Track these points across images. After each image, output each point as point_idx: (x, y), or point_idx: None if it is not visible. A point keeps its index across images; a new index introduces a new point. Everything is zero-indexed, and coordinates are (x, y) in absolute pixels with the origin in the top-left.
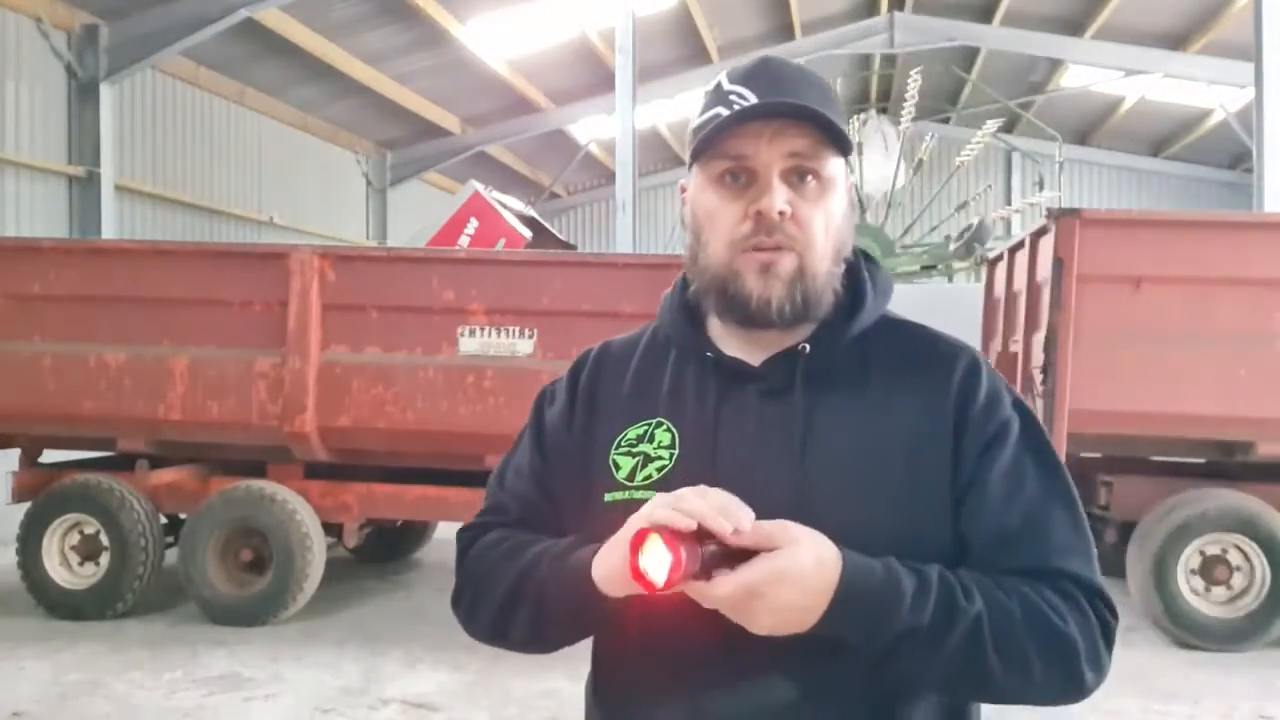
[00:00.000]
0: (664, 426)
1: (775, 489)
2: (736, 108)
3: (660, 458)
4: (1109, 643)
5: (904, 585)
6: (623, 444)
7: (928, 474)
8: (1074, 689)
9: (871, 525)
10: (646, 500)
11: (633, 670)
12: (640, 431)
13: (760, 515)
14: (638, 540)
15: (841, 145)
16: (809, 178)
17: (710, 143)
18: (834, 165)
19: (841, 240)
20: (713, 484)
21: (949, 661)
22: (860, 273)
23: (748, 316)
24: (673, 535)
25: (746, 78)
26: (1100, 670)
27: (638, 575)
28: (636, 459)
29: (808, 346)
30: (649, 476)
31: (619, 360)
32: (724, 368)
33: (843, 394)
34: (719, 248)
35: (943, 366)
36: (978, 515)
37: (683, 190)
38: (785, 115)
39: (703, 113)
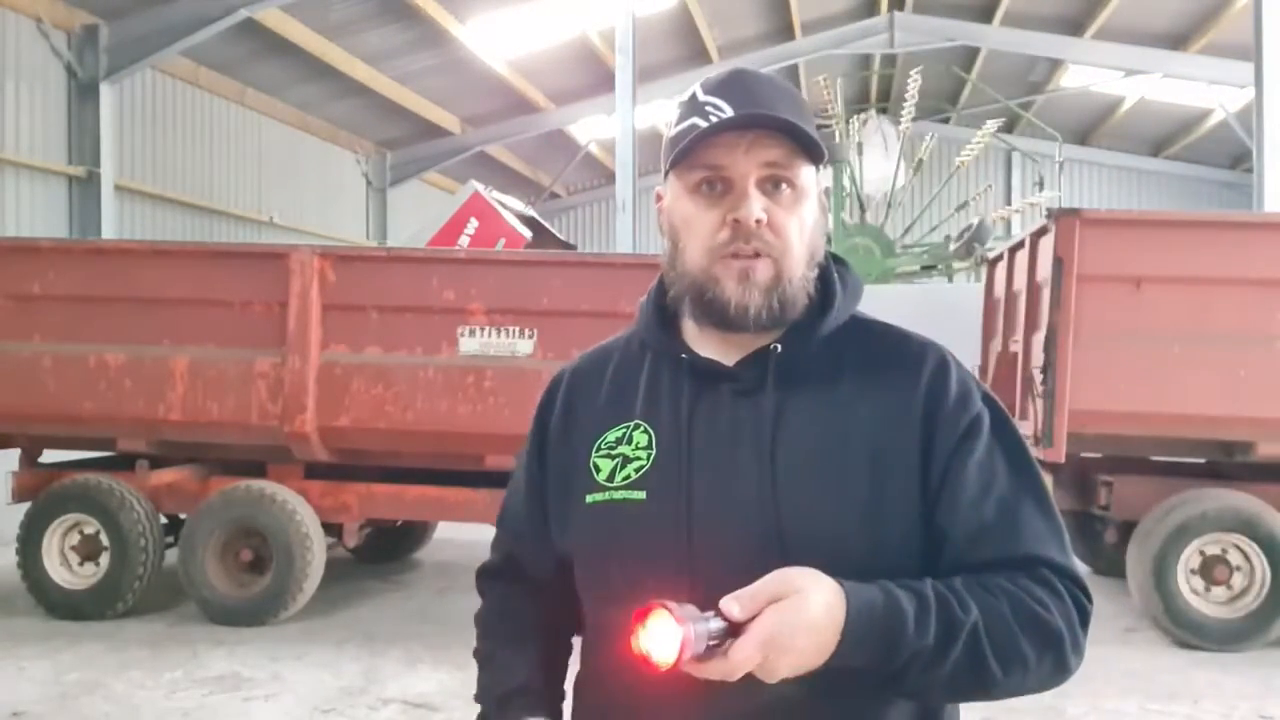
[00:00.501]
0: (641, 428)
1: (746, 485)
2: (713, 118)
3: (638, 458)
4: (1085, 626)
5: (905, 609)
6: (602, 447)
7: (893, 470)
8: (1061, 674)
9: (839, 520)
10: (626, 500)
11: (628, 674)
12: (619, 434)
13: (732, 511)
14: (640, 616)
15: (813, 154)
16: (783, 186)
17: (687, 153)
18: (807, 174)
19: (815, 245)
20: (687, 482)
21: (954, 672)
22: (830, 274)
23: (725, 321)
24: (679, 611)
25: (721, 89)
26: (1080, 653)
27: (639, 654)
28: (615, 460)
29: (779, 346)
30: (627, 477)
31: (593, 371)
32: (698, 368)
33: (813, 392)
34: (697, 254)
35: (911, 365)
36: (954, 509)
37: (659, 198)
38: (761, 126)
39: (679, 123)
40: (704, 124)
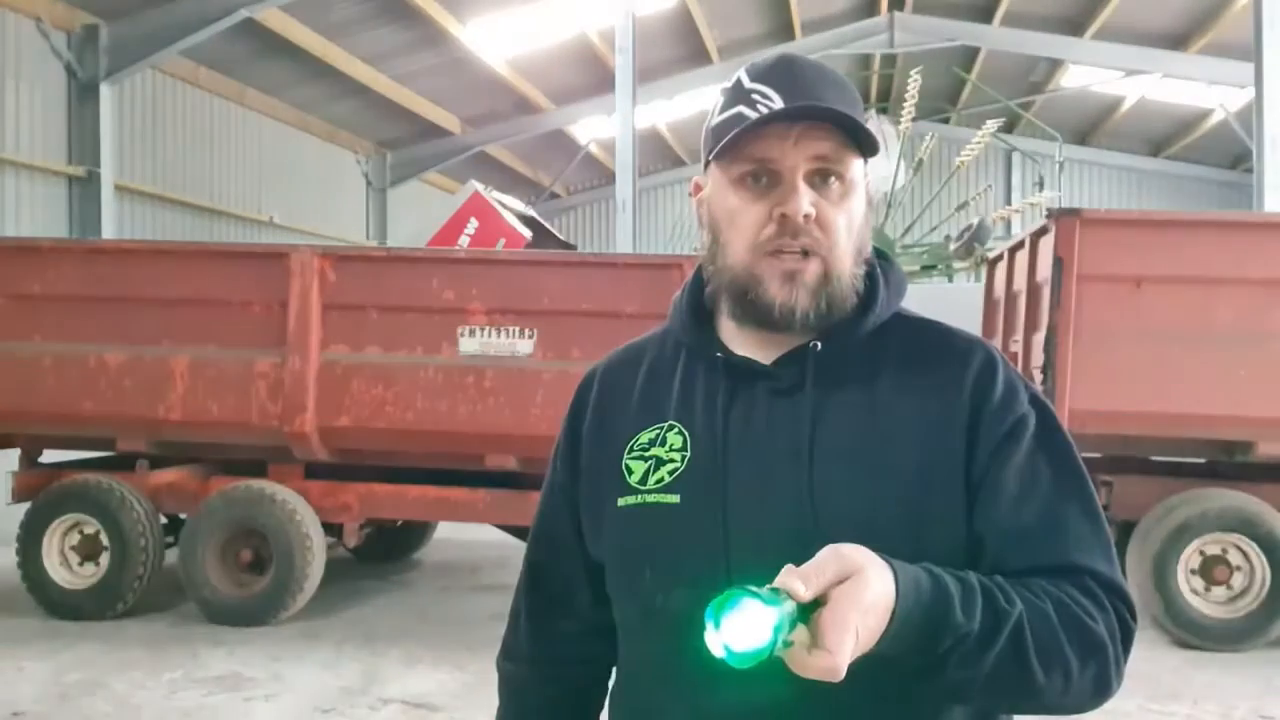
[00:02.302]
0: (675, 429)
1: (783, 488)
2: (760, 108)
3: (672, 460)
4: (1127, 645)
5: (951, 591)
6: (635, 448)
7: (938, 471)
8: (1103, 692)
9: (879, 523)
10: (659, 503)
11: (643, 672)
12: (652, 435)
13: (770, 514)
14: (716, 606)
15: (865, 146)
16: (832, 179)
17: (733, 144)
18: (856, 167)
19: (862, 240)
20: (722, 484)
21: (996, 668)
22: (874, 270)
23: (769, 322)
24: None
25: (768, 76)
26: (1121, 674)
27: (715, 651)
28: (649, 463)
29: (819, 344)
30: (661, 480)
31: (625, 370)
32: (734, 367)
33: (853, 391)
34: (741, 250)
35: (956, 363)
36: (992, 512)
37: (697, 188)
38: (811, 118)
39: (723, 110)
40: (751, 114)
